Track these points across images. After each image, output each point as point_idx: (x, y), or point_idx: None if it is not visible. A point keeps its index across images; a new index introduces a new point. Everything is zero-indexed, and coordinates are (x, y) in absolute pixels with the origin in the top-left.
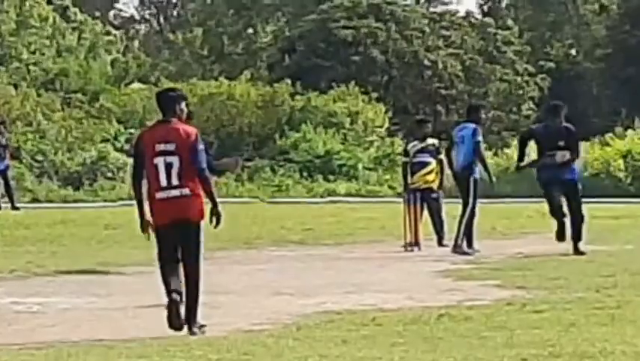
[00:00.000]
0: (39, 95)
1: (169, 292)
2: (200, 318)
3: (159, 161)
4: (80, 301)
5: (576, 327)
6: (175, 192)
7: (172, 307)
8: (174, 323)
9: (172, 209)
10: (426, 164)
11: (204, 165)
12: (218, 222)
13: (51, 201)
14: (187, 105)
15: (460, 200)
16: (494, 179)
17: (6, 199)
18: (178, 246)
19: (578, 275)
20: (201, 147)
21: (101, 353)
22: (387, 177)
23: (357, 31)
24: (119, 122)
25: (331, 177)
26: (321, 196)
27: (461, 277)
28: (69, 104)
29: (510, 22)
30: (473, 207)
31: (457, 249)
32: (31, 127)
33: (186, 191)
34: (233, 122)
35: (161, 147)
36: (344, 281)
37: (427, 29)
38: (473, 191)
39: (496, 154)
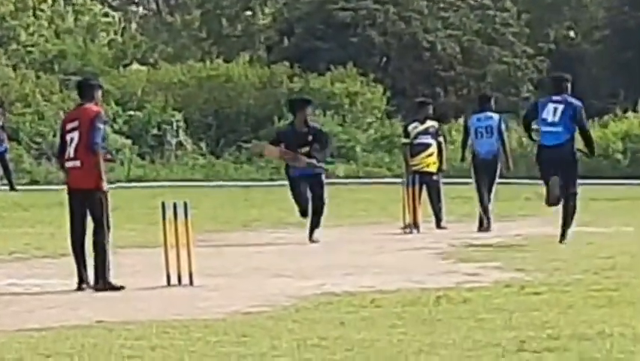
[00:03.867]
0: (38, 77)
1: (78, 268)
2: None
3: (69, 137)
4: None
5: (574, 309)
6: (71, 164)
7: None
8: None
9: (71, 178)
10: (427, 145)
11: (97, 140)
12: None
13: (50, 183)
14: (102, 94)
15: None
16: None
17: (4, 181)
18: (83, 208)
19: (576, 257)
20: (99, 125)
21: (99, 334)
22: (386, 158)
23: (356, 12)
24: (117, 103)
25: (329, 159)
26: None
27: (460, 259)
28: (67, 86)
29: (509, 3)
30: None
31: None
32: (30, 109)
33: (77, 163)
34: (232, 104)
35: (70, 125)
36: (343, 263)
37: (426, 11)
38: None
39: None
